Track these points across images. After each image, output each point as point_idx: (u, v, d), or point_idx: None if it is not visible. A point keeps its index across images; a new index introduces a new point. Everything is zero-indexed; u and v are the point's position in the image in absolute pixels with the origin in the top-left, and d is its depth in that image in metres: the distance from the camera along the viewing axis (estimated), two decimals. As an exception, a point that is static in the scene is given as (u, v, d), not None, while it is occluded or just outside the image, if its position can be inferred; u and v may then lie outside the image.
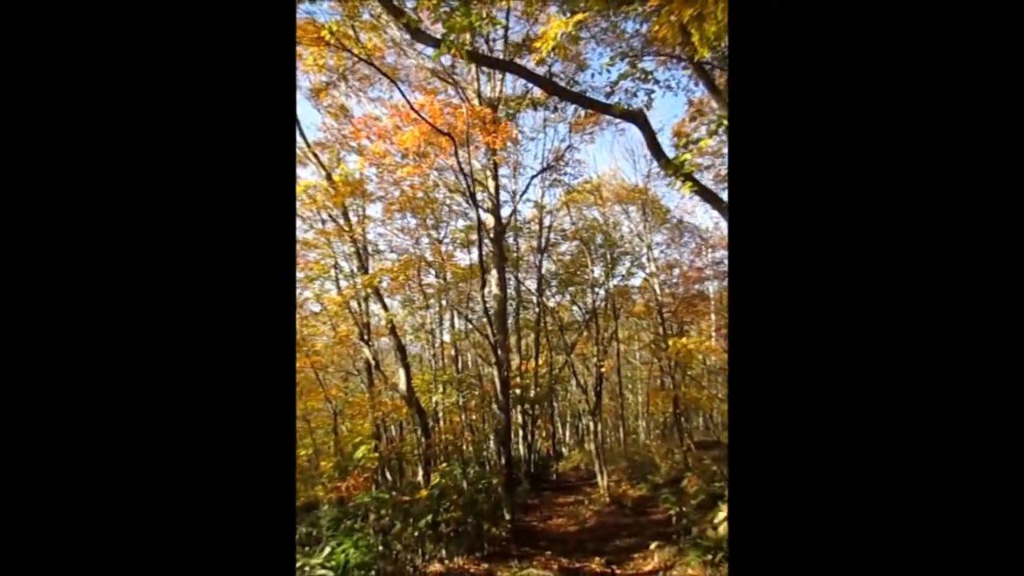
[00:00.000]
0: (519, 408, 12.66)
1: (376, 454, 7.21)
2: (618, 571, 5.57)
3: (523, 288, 13.71)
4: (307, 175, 10.15)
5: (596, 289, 13.35)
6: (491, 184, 10.46)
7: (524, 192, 11.24)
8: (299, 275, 10.87)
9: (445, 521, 6.13)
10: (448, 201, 11.37)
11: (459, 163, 6.71)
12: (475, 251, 9.92)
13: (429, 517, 5.80)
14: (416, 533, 5.54)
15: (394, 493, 6.55)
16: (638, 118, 6.23)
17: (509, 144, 12.26)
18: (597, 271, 13.72)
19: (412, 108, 6.68)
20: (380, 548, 5.09)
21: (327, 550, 4.98)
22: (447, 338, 12.05)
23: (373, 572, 4.88)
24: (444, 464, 7.41)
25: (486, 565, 5.55)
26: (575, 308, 15.13)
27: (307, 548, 5.30)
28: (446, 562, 5.38)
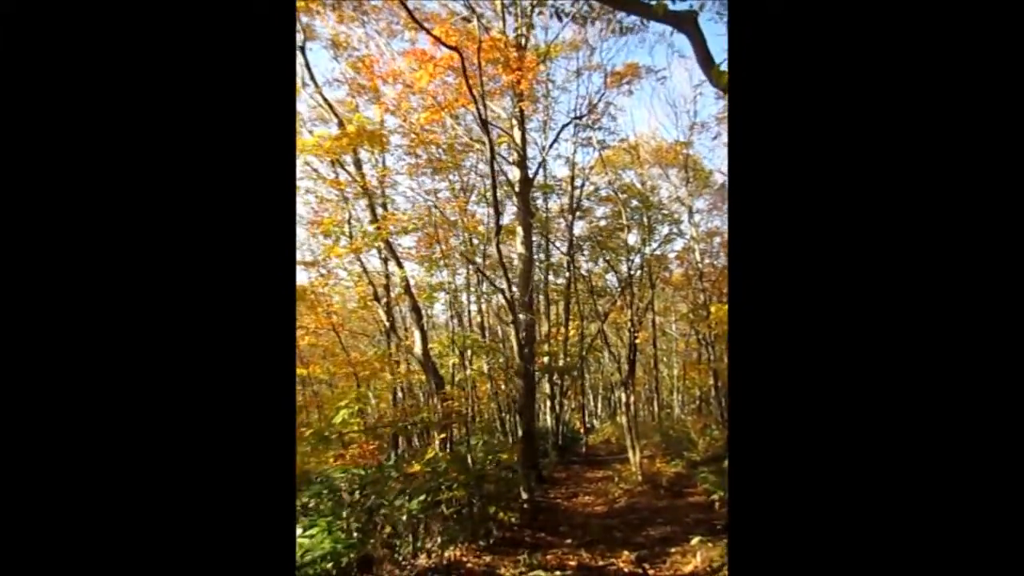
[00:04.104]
0: (548, 378, 11.40)
1: (357, 419, 6.07)
2: (651, 572, 4.26)
3: (553, 252, 12.32)
4: (325, 129, 9.05)
5: (631, 256, 11.84)
6: (517, 135, 9.07)
7: (553, 144, 9.74)
8: (315, 231, 9.85)
9: (446, 501, 4.94)
10: (473, 157, 10.05)
11: (467, 80, 5.37)
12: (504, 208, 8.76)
13: (424, 496, 4.61)
14: (406, 515, 4.37)
15: (390, 467, 5.40)
16: (687, 23, 4.76)
17: (539, 97, 10.81)
18: (633, 237, 12.21)
19: (413, 18, 5.37)
20: (356, 534, 3.92)
21: (295, 533, 3.87)
22: (465, 298, 10.80)
23: (343, 562, 3.74)
24: (443, 435, 6.22)
25: (488, 557, 4.34)
26: (609, 275, 13.68)
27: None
28: (439, 552, 4.18)
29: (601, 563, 4.35)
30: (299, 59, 8.12)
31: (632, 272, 11.50)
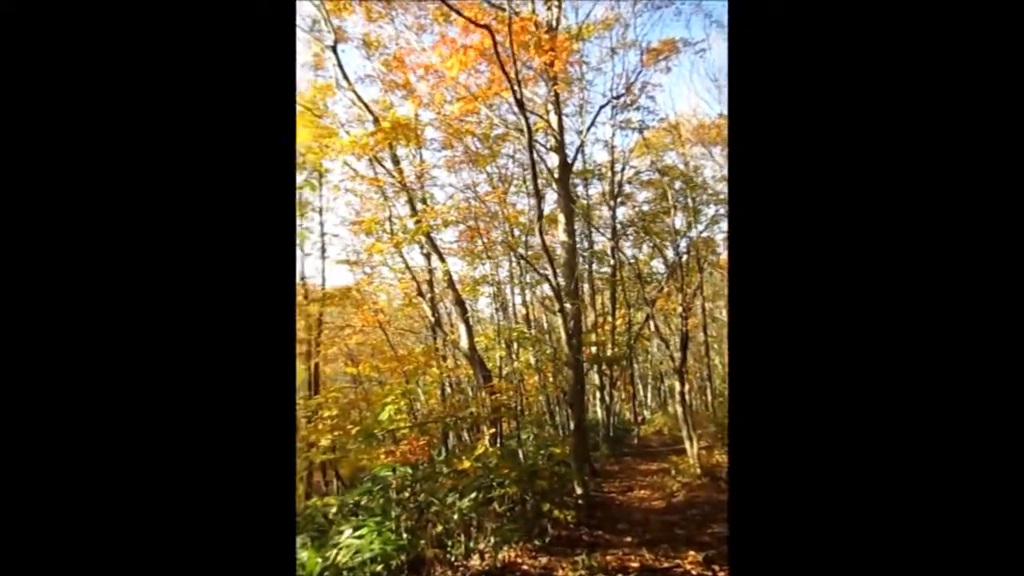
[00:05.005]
0: (596, 368, 11.01)
1: (404, 416, 5.91)
2: (721, 574, 3.89)
3: (596, 240, 11.89)
4: (362, 129, 8.98)
5: (678, 239, 11.26)
6: (553, 120, 8.70)
7: (590, 127, 9.30)
8: (358, 231, 9.83)
9: (498, 498, 4.71)
10: (510, 146, 9.76)
11: (499, 61, 5.08)
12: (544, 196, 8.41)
13: (475, 494, 4.39)
14: (457, 515, 4.15)
15: (441, 462, 5.21)
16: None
17: (574, 79, 10.40)
18: (678, 220, 11.62)
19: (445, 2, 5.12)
20: (406, 534, 3.74)
21: (345, 533, 3.73)
22: (509, 291, 10.55)
23: (393, 564, 3.56)
24: (492, 430, 5.97)
25: (544, 559, 4.07)
26: (655, 262, 13.13)
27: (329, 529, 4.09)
28: (492, 553, 3.95)
29: (666, 564, 4.01)
30: (332, 60, 8.08)
31: (679, 256, 10.95)
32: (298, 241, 10.29)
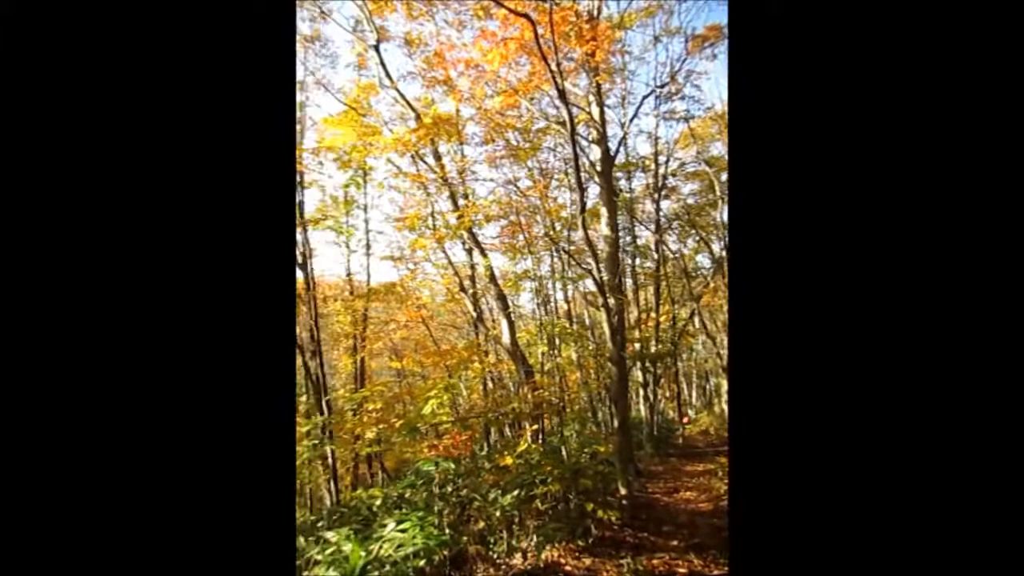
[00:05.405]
0: (640, 365, 10.74)
1: (446, 410, 5.88)
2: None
3: (639, 234, 11.59)
4: (404, 126, 9.06)
5: (724, 233, 10.83)
6: (595, 111, 8.49)
7: (633, 118, 9.02)
8: (401, 227, 9.93)
9: (541, 496, 4.62)
10: (551, 140, 9.61)
11: (540, 50, 4.96)
12: (586, 190, 8.21)
13: (517, 491, 4.32)
14: (499, 511, 4.10)
15: (483, 457, 5.17)
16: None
17: (616, 69, 10.13)
18: (725, 213, 11.16)
19: (482, -8, 5.04)
20: (448, 530, 3.70)
21: (388, 526, 3.73)
22: (551, 286, 10.41)
23: (435, 559, 3.53)
24: (535, 426, 5.88)
25: (588, 560, 3.95)
26: (700, 256, 12.69)
27: (374, 521, 4.11)
28: (535, 553, 3.86)
29: (715, 572, 3.82)
30: (375, 60, 8.17)
31: (726, 251, 10.52)
32: (344, 238, 10.49)
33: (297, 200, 9.32)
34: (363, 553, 3.21)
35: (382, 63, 8.09)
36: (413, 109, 8.12)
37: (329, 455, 7.53)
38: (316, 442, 7.23)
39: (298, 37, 9.50)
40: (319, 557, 3.20)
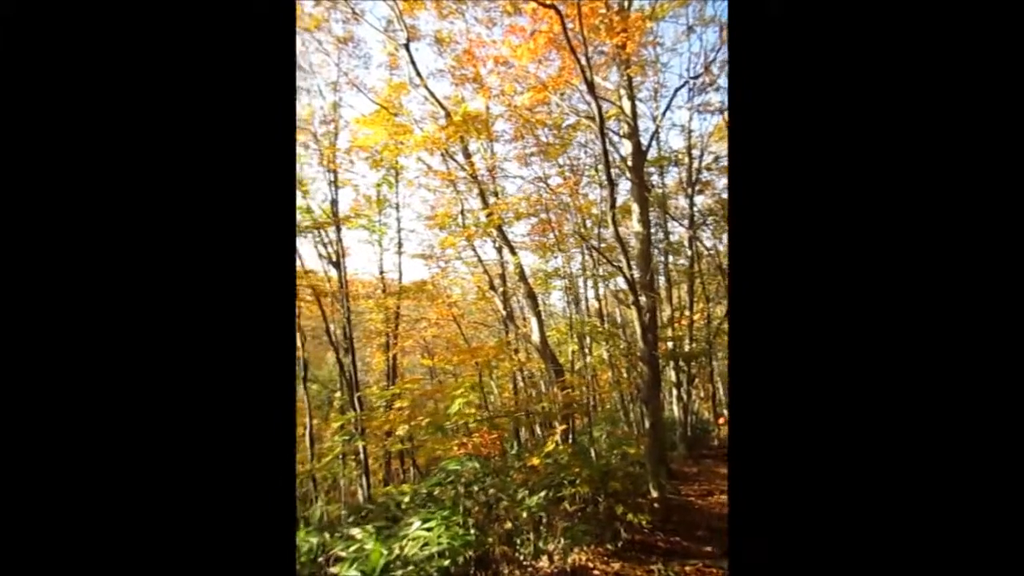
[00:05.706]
0: (673, 365, 10.48)
1: (474, 409, 5.83)
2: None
3: (672, 230, 11.29)
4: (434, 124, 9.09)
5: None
6: (626, 105, 8.29)
7: (666, 111, 8.78)
8: (432, 225, 9.96)
9: (569, 497, 4.52)
10: (581, 136, 9.46)
11: (568, 42, 4.84)
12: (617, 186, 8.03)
13: (545, 492, 4.24)
14: (526, 512, 4.02)
15: (513, 456, 5.10)
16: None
17: (647, 61, 9.88)
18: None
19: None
20: (474, 530, 3.65)
21: (413, 524, 3.70)
22: (582, 284, 10.25)
23: (460, 560, 3.48)
24: (564, 426, 5.77)
25: (617, 564, 3.83)
26: (737, 253, 12.28)
27: (398, 519, 4.10)
28: (562, 555, 3.77)
29: (753, 580, 3.64)
30: (406, 58, 8.20)
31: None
32: (376, 237, 10.60)
33: (331, 199, 9.47)
34: (384, 552, 3.19)
35: (412, 61, 8.12)
36: (443, 107, 8.11)
37: (361, 451, 7.62)
38: (348, 437, 7.32)
39: (331, 39, 9.64)
40: (343, 554, 3.20)
